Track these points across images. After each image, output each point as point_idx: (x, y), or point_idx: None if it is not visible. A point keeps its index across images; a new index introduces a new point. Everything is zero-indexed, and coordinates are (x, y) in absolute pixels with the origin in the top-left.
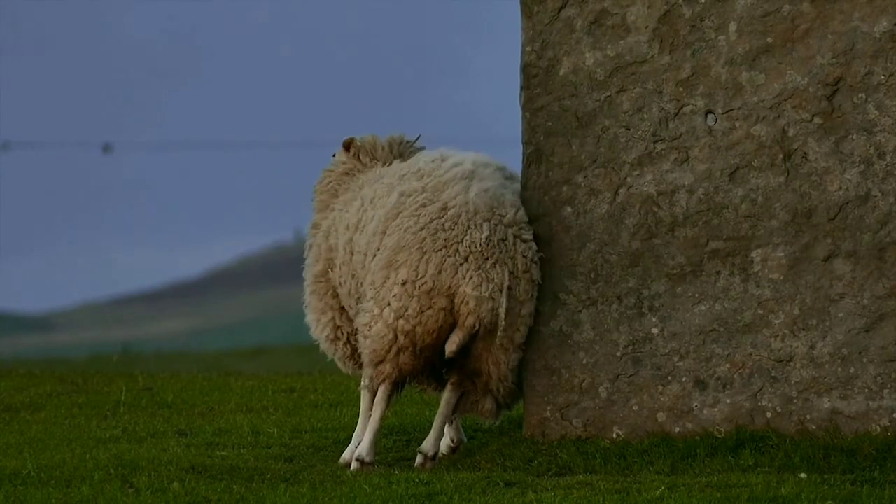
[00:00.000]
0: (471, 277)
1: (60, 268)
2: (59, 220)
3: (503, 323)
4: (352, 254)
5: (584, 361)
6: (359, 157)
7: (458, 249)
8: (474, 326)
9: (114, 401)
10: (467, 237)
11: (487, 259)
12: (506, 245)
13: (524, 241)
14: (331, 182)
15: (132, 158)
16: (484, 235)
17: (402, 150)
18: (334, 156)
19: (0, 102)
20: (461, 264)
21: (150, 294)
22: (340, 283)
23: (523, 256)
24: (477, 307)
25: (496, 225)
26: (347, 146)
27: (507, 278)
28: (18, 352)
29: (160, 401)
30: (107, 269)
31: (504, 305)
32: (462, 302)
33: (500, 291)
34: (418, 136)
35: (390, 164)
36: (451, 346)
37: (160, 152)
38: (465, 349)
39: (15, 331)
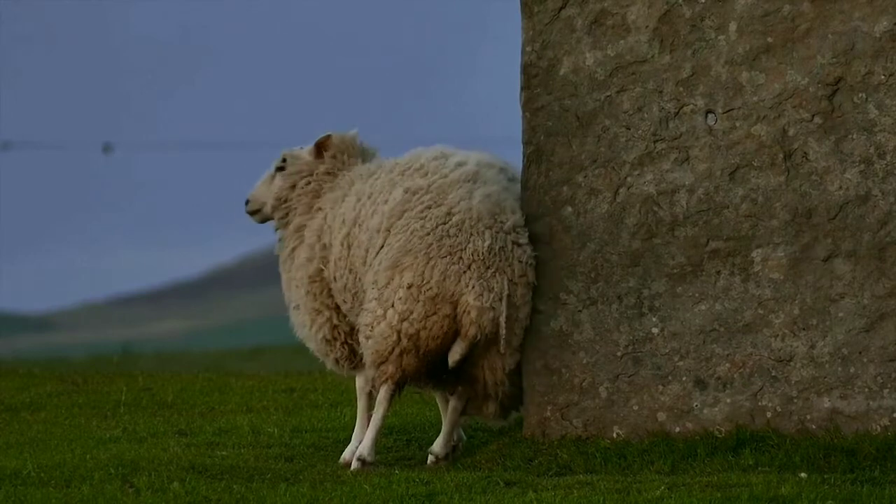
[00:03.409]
0: (472, 287)
1: (60, 268)
2: (59, 221)
3: (504, 332)
4: (349, 248)
5: (585, 361)
6: (335, 156)
7: (461, 257)
8: (476, 337)
9: (114, 401)
10: (470, 245)
11: (488, 268)
12: (505, 253)
13: (520, 245)
14: (311, 183)
15: (132, 158)
16: (486, 244)
17: (363, 152)
18: (284, 162)
19: (0, 102)
20: (464, 272)
21: (150, 294)
22: (335, 279)
23: (519, 262)
24: (479, 317)
25: (497, 233)
26: (323, 146)
27: (506, 287)
28: (18, 352)
29: (160, 401)
30: (107, 269)
31: (504, 314)
32: (464, 312)
33: (500, 300)
34: (356, 132)
35: (361, 162)
36: (454, 357)
37: (160, 152)
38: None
39: (15, 331)
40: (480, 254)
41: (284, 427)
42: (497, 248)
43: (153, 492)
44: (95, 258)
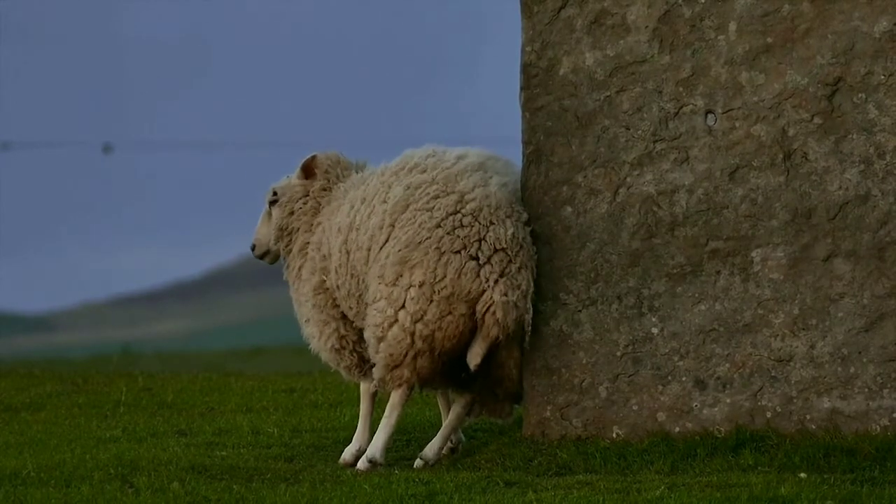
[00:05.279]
0: (496, 282)
1: (60, 268)
2: (60, 220)
3: (529, 330)
4: (348, 253)
5: (584, 361)
6: (328, 171)
7: (479, 249)
8: (498, 337)
9: (114, 401)
10: (490, 234)
11: (512, 262)
12: (527, 246)
13: (532, 244)
14: (308, 202)
15: (132, 158)
16: (509, 233)
17: (356, 165)
18: (275, 196)
19: (0, 102)
20: (483, 266)
21: (150, 294)
22: (338, 287)
23: (534, 259)
24: (504, 317)
25: (517, 222)
26: (311, 168)
27: (531, 283)
28: (18, 352)
29: (160, 401)
30: (107, 269)
31: (531, 312)
32: (487, 311)
33: (525, 298)
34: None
35: (356, 173)
36: (475, 360)
37: (160, 152)
38: (486, 358)
39: (15, 331)
40: (503, 242)
41: (284, 427)
42: (520, 238)
43: (153, 492)
44: (95, 258)
